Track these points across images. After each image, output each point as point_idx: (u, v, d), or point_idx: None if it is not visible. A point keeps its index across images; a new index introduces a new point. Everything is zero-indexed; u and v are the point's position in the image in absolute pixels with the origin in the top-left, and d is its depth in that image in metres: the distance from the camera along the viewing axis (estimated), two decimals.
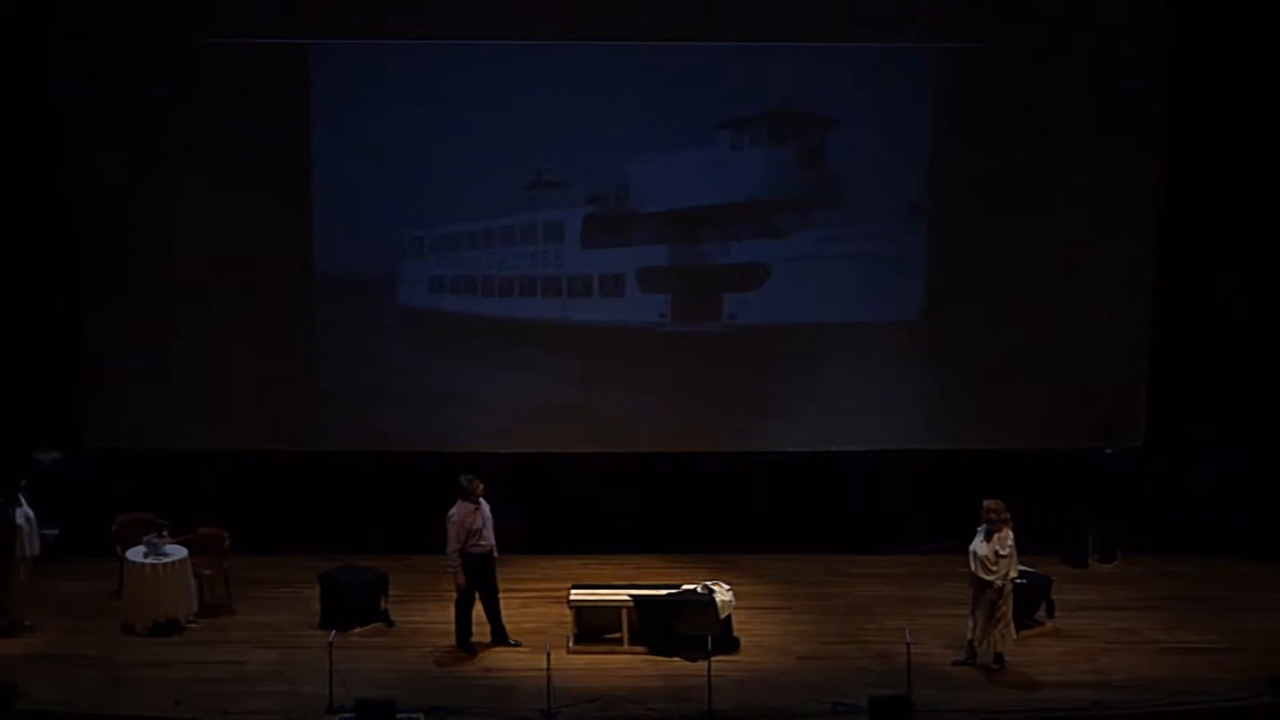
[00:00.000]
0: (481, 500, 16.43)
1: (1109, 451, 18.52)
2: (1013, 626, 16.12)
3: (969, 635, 16.16)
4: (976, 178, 18.49)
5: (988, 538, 15.91)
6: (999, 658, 16.07)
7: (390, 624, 17.09)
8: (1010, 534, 15.90)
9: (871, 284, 18.71)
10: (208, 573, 17.27)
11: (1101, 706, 15.31)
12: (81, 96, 18.19)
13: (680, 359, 18.80)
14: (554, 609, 17.13)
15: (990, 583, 15.90)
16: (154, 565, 16.79)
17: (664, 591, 16.68)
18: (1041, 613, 17.10)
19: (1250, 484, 18.40)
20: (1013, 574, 15.97)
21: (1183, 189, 18.39)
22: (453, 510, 16.37)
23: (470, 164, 18.44)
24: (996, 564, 15.88)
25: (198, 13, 18.02)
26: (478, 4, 18.09)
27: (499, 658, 16.42)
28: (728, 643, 16.42)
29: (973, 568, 15.96)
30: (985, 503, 15.98)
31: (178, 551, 16.97)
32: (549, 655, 15.26)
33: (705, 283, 18.77)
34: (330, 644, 15.40)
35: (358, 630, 16.78)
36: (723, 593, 16.60)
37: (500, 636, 16.63)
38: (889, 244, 18.66)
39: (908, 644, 15.27)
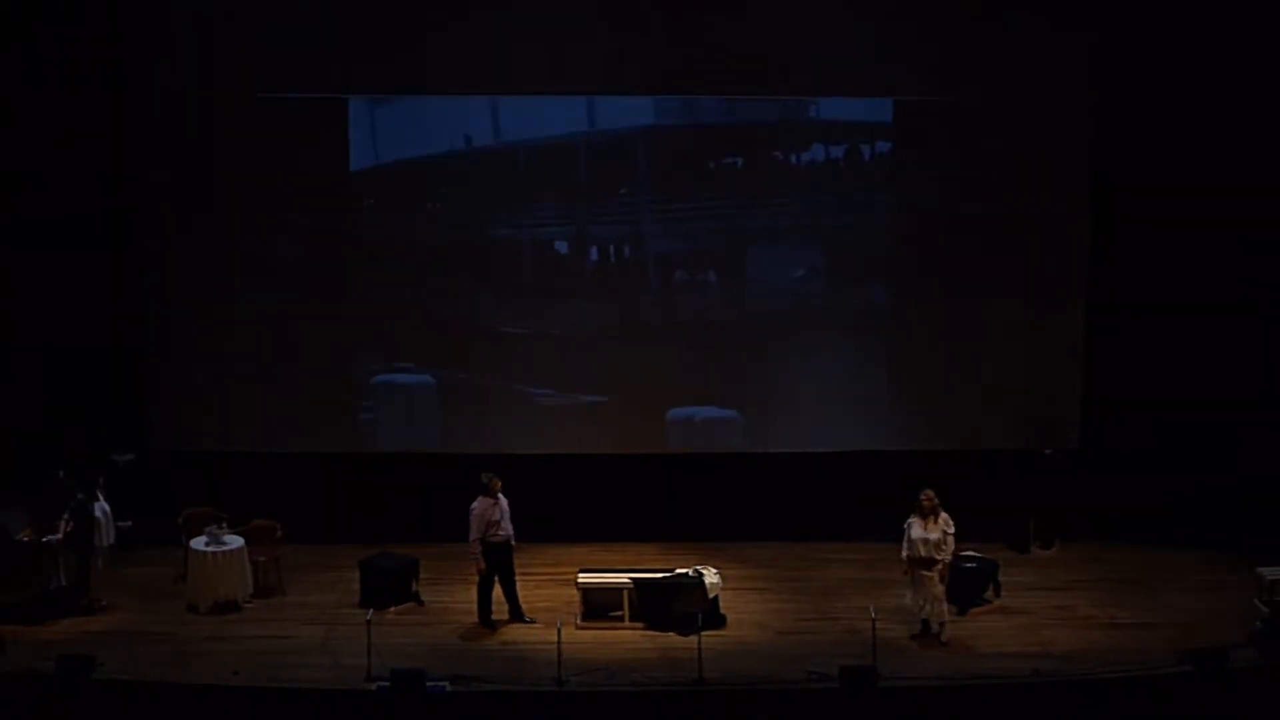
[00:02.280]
0: (500, 495, 16.43)
1: (1048, 452, 18.51)
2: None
3: (918, 612, 16.18)
4: (929, 206, 18.51)
5: (929, 523, 15.93)
6: (943, 625, 16.15)
7: (421, 604, 17.12)
8: (948, 517, 15.98)
9: (842, 314, 18.78)
10: (262, 559, 17.27)
11: (1042, 674, 15.36)
12: (154, 139, 18.24)
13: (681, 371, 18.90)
14: (564, 590, 17.12)
15: (939, 560, 15.94)
16: (214, 553, 16.84)
17: (660, 575, 16.73)
18: (989, 592, 17.12)
19: (1172, 480, 18.36)
20: (953, 548, 16.11)
21: (1113, 208, 18.41)
22: (474, 503, 16.39)
23: (500, 198, 18.45)
24: (945, 543, 15.97)
25: (255, 72, 18.16)
26: (501, 61, 18.15)
27: (516, 633, 16.48)
28: (716, 619, 16.47)
29: (922, 551, 15.96)
30: (923, 492, 16.02)
31: (235, 541, 17.02)
32: (560, 631, 15.36)
33: (713, 307, 18.79)
34: (369, 621, 15.55)
35: (393, 609, 16.85)
36: (711, 576, 16.67)
37: (517, 614, 16.66)
38: (858, 281, 18.79)
39: (873, 620, 15.37)
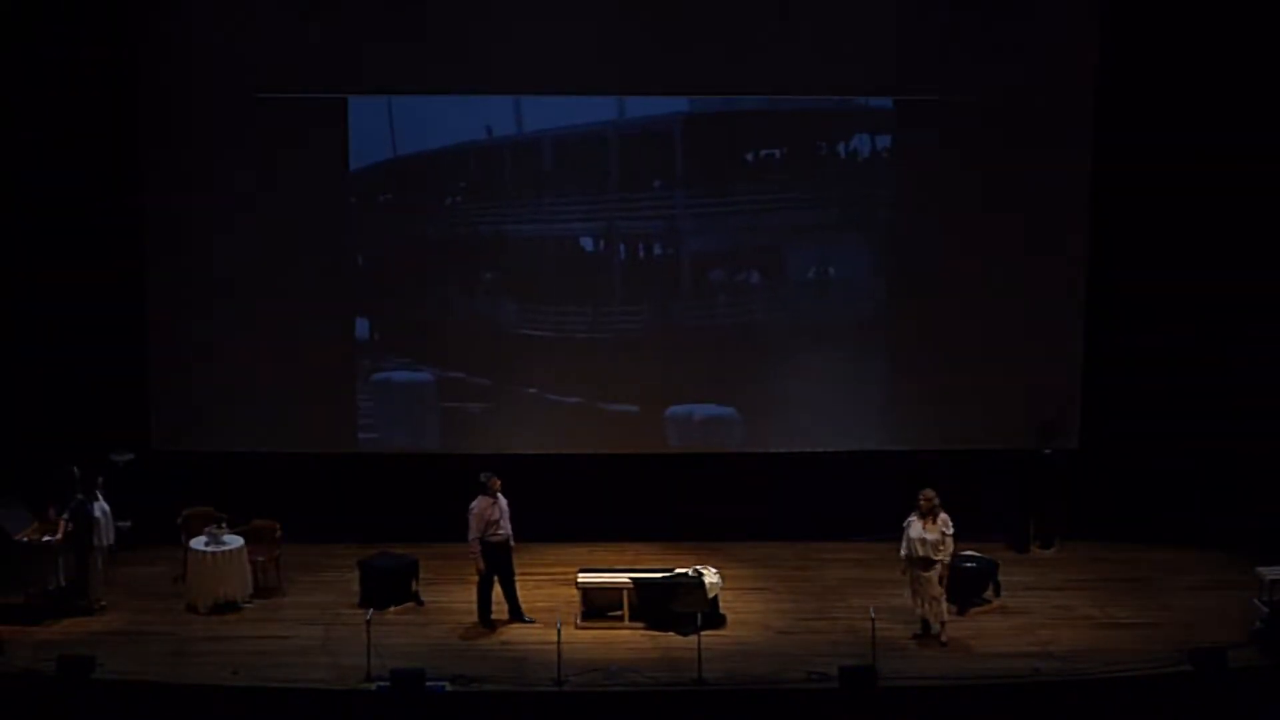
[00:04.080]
0: (499, 494, 16.41)
1: (1048, 452, 18.46)
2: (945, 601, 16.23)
3: (919, 612, 16.15)
4: (930, 207, 18.46)
5: (928, 523, 15.90)
6: (943, 625, 16.12)
7: (420, 604, 17.09)
8: (947, 517, 15.97)
9: (840, 312, 18.70)
10: (261, 559, 17.26)
11: (1042, 674, 15.38)
12: (154, 139, 18.19)
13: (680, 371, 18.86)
14: (563, 590, 17.10)
15: (938, 561, 15.92)
16: (214, 553, 16.81)
17: (660, 574, 16.69)
18: (989, 592, 17.08)
19: (1171, 480, 18.37)
20: (952, 550, 16.07)
21: (1112, 210, 18.36)
22: (474, 503, 16.37)
23: (504, 200, 18.40)
24: (944, 544, 15.94)
25: (255, 72, 18.09)
26: (497, 59, 18.16)
27: (515, 633, 16.46)
28: (715, 619, 16.45)
29: (921, 551, 15.93)
30: (923, 491, 15.99)
31: (235, 541, 16.99)
32: (559, 630, 15.35)
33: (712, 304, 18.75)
34: (368, 621, 15.55)
35: (392, 609, 16.83)
36: (711, 576, 16.64)
37: (516, 614, 16.64)
38: (857, 281, 18.72)
39: (872, 620, 15.36)
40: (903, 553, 16.15)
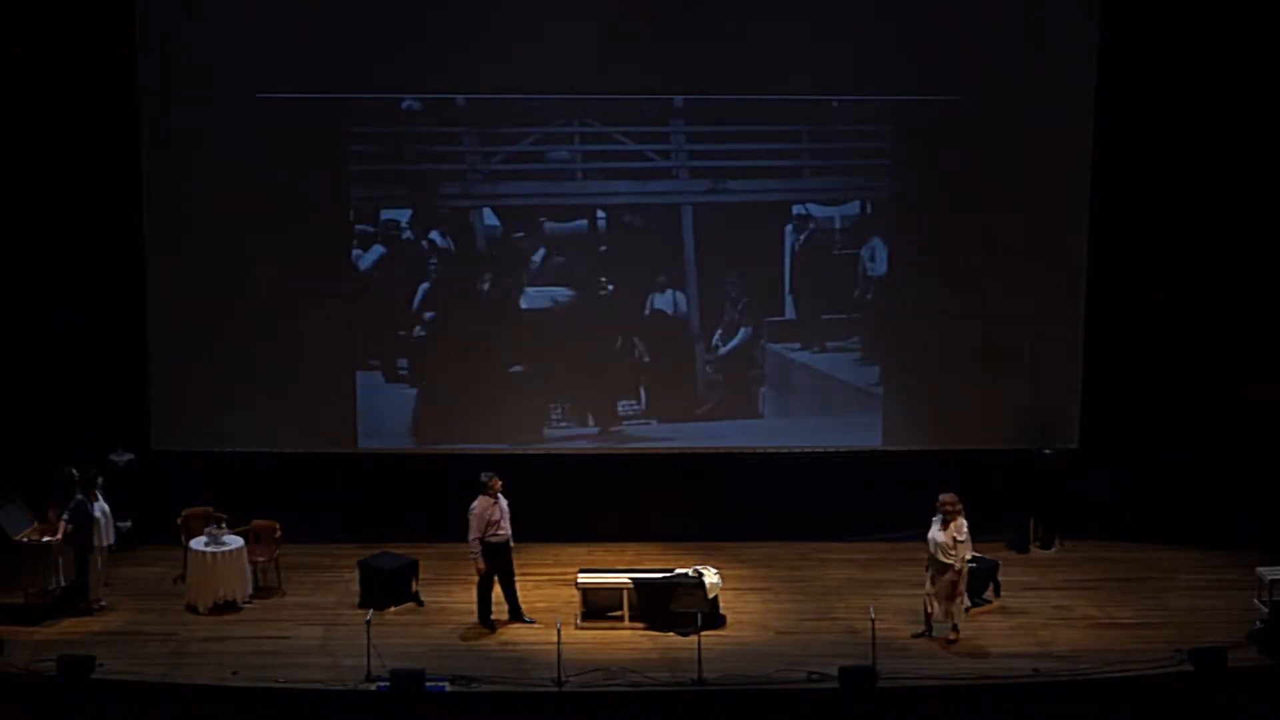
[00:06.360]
0: (499, 494, 16.40)
1: (1047, 452, 18.44)
2: (966, 598, 16.18)
3: (928, 611, 16.11)
4: (930, 207, 18.45)
5: (944, 526, 15.91)
6: (955, 627, 16.10)
7: (420, 604, 17.07)
8: (964, 522, 15.94)
9: (839, 312, 18.66)
10: (261, 560, 17.27)
11: (1042, 674, 15.37)
12: (154, 139, 18.15)
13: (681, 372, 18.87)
14: (564, 590, 17.10)
15: (950, 565, 15.91)
16: (214, 553, 16.79)
17: (660, 575, 16.68)
18: (989, 592, 17.02)
19: (1171, 480, 18.37)
20: (967, 556, 16.04)
21: (1112, 210, 18.36)
22: (474, 504, 16.35)
23: (505, 199, 18.45)
24: (955, 549, 15.89)
25: (255, 72, 18.08)
26: (497, 59, 18.17)
27: (515, 633, 16.45)
28: (715, 619, 16.44)
29: (933, 552, 15.96)
30: (941, 496, 15.97)
31: (235, 541, 16.98)
32: (559, 631, 15.34)
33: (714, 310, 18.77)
34: (368, 621, 15.53)
35: (392, 609, 16.80)
36: (711, 576, 16.61)
37: (516, 614, 16.63)
38: (855, 279, 18.64)
39: (872, 620, 15.33)
40: (929, 550, 16.19)
